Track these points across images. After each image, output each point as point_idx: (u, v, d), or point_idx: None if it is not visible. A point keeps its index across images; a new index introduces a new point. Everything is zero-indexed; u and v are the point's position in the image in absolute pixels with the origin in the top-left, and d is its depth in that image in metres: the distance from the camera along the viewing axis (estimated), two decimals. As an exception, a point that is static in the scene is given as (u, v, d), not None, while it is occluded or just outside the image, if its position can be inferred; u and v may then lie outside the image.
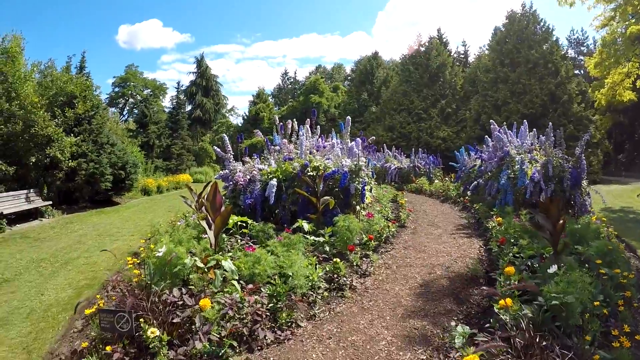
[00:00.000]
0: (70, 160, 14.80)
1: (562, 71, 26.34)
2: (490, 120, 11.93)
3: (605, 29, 16.92)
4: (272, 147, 10.38)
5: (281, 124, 11.24)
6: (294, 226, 7.11)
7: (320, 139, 10.91)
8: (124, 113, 52.77)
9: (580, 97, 26.20)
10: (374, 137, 13.57)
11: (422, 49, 34.87)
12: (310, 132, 10.74)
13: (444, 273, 6.15)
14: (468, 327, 3.87)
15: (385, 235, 7.85)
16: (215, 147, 10.37)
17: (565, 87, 25.92)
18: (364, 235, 7.14)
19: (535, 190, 9.02)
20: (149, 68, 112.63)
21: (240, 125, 52.47)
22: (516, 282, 4.52)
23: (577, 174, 9.09)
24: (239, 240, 6.54)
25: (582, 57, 38.27)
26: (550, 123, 10.06)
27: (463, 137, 29.70)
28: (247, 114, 53.16)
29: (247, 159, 10.00)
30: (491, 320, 4.04)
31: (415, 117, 32.56)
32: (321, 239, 6.64)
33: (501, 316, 3.84)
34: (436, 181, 19.95)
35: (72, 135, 15.49)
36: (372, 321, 4.60)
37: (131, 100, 53.29)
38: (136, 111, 48.55)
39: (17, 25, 63.03)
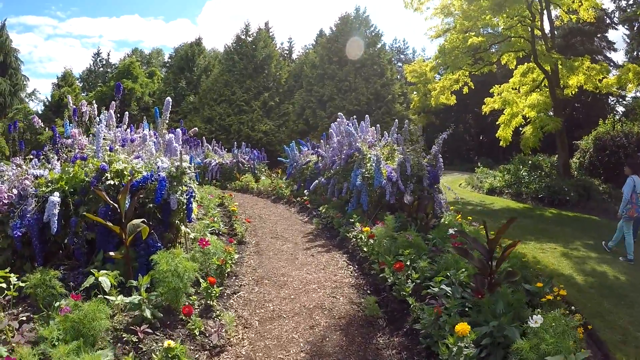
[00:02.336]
0: None
1: (387, 73, 28.03)
2: (339, 114, 10.65)
3: (444, 37, 17.99)
4: (65, 140, 7.19)
5: (74, 106, 8.06)
6: (87, 283, 4.39)
7: (129, 130, 8.12)
8: None
9: (403, 98, 28.15)
10: (196, 129, 11.12)
11: (250, 39, 33.02)
12: (113, 118, 7.85)
13: (330, 321, 4.28)
14: None
15: (228, 268, 5.66)
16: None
17: (390, 88, 27.59)
18: (201, 280, 4.83)
19: (393, 190, 7.92)
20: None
21: (40, 112, 42.60)
22: (471, 341, 3.01)
23: (435, 173, 8.33)
24: (2, 315, 3.61)
25: (400, 64, 41.90)
26: (407, 121, 9.18)
27: (285, 131, 29.05)
28: (50, 99, 43.35)
29: (18, 160, 6.59)
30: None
31: (236, 109, 30.56)
32: (136, 298, 4.06)
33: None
34: (263, 178, 18.34)
35: None
36: None
37: None
38: None
39: None
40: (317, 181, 11.12)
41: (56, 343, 2.98)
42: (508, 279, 3.76)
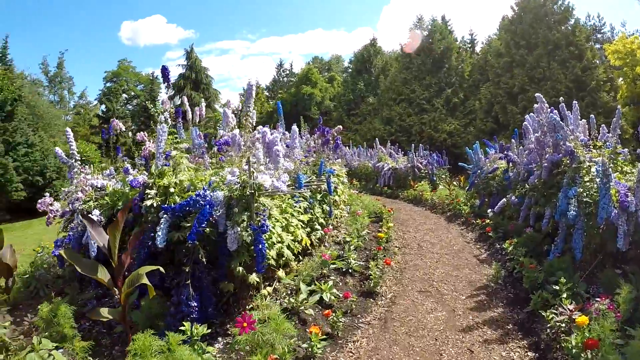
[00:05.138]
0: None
1: (587, 54, 21.71)
2: (537, 94, 7.08)
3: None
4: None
5: (178, 108, 6.77)
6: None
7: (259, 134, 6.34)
8: (117, 108, 49.01)
9: (609, 85, 21.54)
10: (340, 127, 8.89)
11: (425, 32, 29.95)
12: (201, 112, 6.22)
13: None
14: None
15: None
16: (57, 149, 5.74)
17: (592, 72, 21.25)
18: None
19: (628, 229, 4.25)
20: (154, 65, 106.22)
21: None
22: None
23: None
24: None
25: (599, 45, 33.47)
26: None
27: (472, 131, 25.01)
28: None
29: (87, 168, 5.63)
30: None
31: (416, 108, 27.71)
32: None
33: None
34: (441, 186, 15.22)
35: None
36: None
37: (124, 95, 49.08)
38: (129, 107, 45.10)
39: (16, 21, 60.89)
40: (504, 199, 7.74)
41: None
42: None
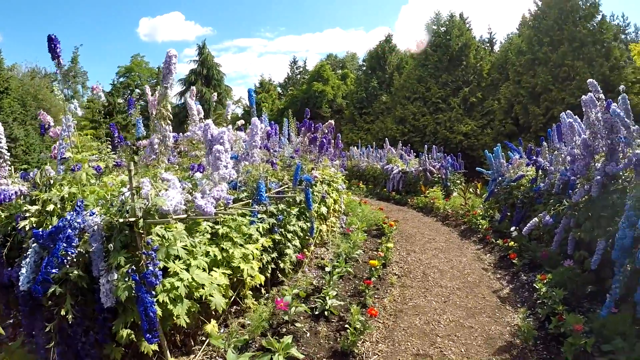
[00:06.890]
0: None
1: (615, 53, 19.99)
2: (589, 80, 5.41)
3: None
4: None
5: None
6: None
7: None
8: (119, 102, 48.92)
9: (638, 87, 19.75)
10: (332, 122, 7.44)
11: (442, 28, 28.29)
12: (154, 103, 4.79)
13: None
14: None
15: None
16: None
17: (620, 73, 19.50)
18: None
19: None
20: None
21: (240, 115, 47.67)
22: None
23: None
24: None
25: (623, 45, 31.44)
26: None
27: (490, 132, 23.40)
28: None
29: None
30: None
31: (431, 108, 26.07)
32: None
33: None
34: (455, 193, 13.66)
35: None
36: None
37: (137, 90, 48.77)
38: (142, 102, 45.18)
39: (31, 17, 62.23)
40: (536, 219, 5.97)
41: None
42: None
